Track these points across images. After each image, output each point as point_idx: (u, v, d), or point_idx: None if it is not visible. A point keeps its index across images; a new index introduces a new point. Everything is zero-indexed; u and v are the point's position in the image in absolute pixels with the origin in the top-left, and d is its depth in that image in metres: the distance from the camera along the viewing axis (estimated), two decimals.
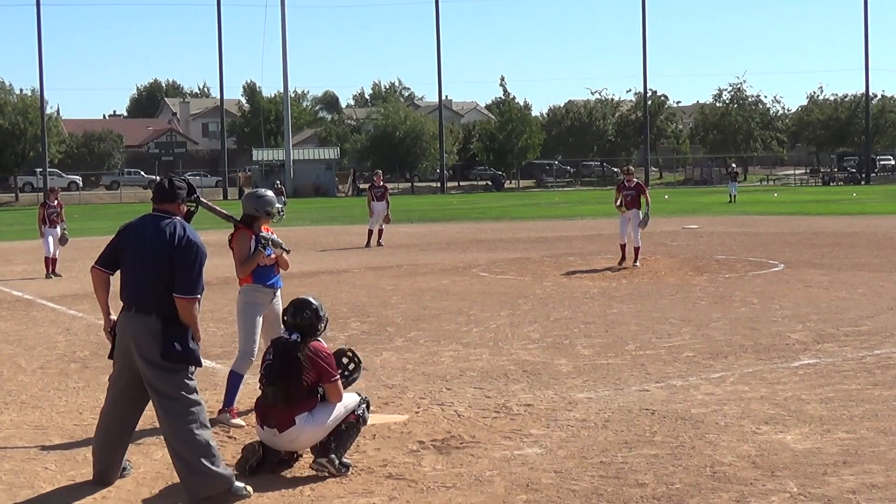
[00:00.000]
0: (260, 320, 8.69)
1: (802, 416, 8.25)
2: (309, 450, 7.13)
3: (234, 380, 8.62)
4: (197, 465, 6.44)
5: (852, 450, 7.28)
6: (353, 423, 7.09)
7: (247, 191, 9.18)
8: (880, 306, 14.06)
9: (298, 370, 6.93)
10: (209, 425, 6.67)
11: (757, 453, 7.24)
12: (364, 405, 7.23)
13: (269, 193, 8.89)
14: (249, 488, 6.62)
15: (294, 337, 7.09)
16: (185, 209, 6.93)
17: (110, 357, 6.89)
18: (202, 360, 6.77)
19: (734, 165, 59.43)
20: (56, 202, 22.13)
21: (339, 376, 7.13)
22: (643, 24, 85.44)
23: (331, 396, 7.04)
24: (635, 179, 20.46)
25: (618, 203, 20.18)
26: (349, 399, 7.17)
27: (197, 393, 6.65)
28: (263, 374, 7.09)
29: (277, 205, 8.83)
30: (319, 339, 7.24)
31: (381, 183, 28.46)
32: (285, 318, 7.30)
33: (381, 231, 27.81)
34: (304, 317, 7.16)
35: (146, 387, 6.64)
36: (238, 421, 8.49)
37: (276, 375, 6.98)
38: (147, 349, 6.53)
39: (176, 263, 6.55)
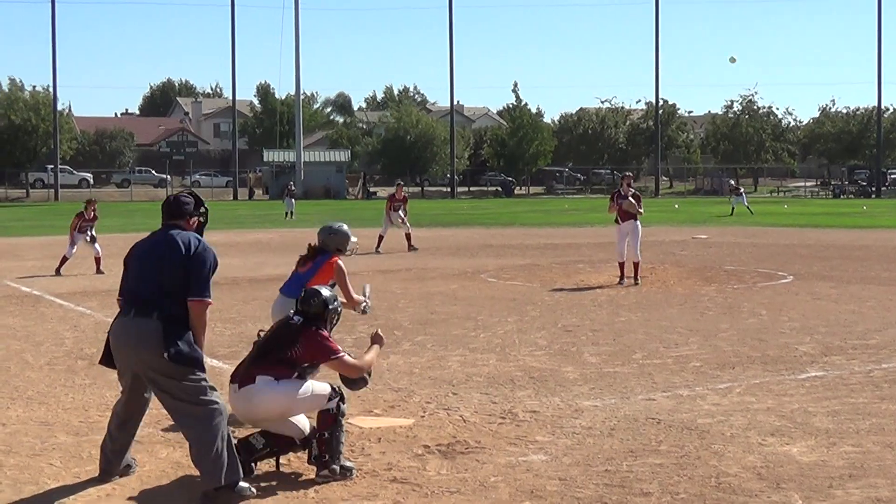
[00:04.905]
0: None
1: (809, 428, 8.23)
2: (307, 459, 7.07)
3: None
4: (218, 453, 6.44)
5: (858, 463, 7.26)
6: (333, 427, 7.00)
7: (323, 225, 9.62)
8: (889, 320, 14.02)
9: (286, 341, 6.95)
10: (226, 422, 6.66)
11: (762, 465, 7.23)
12: (337, 398, 7.07)
13: (344, 227, 9.10)
14: (253, 489, 6.62)
15: (297, 319, 7.11)
16: (196, 222, 6.95)
17: (101, 362, 6.91)
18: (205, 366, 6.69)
19: (732, 182, 60.31)
20: (93, 214, 22.09)
21: (342, 354, 7.07)
22: (656, 33, 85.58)
23: (344, 371, 7.14)
24: (632, 189, 19.35)
25: (612, 210, 19.26)
26: (320, 387, 7.05)
27: (212, 391, 6.61)
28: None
29: (353, 239, 9.10)
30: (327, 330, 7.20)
31: (403, 195, 28.49)
32: (297, 304, 7.36)
33: (408, 235, 27.67)
34: (311, 303, 7.19)
35: (157, 394, 6.66)
36: None
37: (263, 339, 7.08)
38: (150, 352, 6.48)
39: (190, 270, 6.58)
